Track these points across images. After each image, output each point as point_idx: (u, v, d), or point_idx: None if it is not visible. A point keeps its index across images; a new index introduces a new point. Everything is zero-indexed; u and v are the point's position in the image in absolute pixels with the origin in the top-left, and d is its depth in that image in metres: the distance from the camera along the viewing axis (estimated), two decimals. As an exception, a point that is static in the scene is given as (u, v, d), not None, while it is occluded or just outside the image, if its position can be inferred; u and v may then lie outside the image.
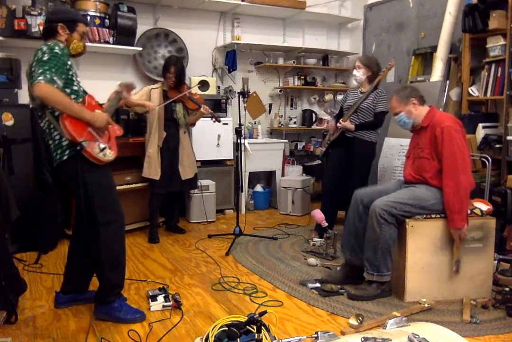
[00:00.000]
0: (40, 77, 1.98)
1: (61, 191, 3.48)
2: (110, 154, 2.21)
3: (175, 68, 3.63)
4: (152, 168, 3.69)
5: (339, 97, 3.88)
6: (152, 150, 3.69)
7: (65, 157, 2.14)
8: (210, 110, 3.70)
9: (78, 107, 2.10)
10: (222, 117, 4.61)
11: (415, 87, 2.77)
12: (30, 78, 2.09)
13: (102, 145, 2.16)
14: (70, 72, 2.15)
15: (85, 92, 2.30)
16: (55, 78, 2.02)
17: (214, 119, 3.72)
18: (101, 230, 2.21)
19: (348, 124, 3.47)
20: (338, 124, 3.51)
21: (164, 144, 3.71)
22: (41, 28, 3.59)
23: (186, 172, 3.81)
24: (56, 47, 2.09)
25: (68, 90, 2.13)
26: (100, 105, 2.38)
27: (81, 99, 2.21)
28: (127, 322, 2.24)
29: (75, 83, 2.19)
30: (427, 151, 2.59)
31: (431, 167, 2.57)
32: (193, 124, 3.95)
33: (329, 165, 3.76)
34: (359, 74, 3.52)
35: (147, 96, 3.68)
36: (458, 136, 2.48)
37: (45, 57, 2.04)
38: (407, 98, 2.65)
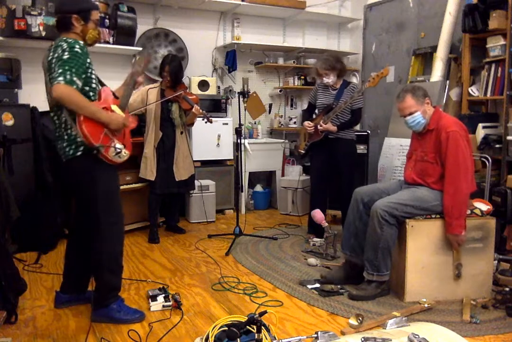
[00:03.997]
0: (60, 78, 1.97)
1: (62, 191, 3.48)
2: (125, 155, 2.19)
3: (169, 68, 3.63)
4: (148, 169, 3.69)
5: (311, 95, 3.78)
6: (148, 150, 3.69)
7: (78, 153, 2.12)
8: (201, 111, 3.66)
9: (95, 108, 2.08)
10: (222, 117, 4.62)
11: (423, 87, 2.73)
12: (48, 73, 2.08)
13: (118, 147, 2.14)
14: (89, 70, 2.13)
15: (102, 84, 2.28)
16: (74, 78, 2.01)
17: (206, 120, 3.69)
18: (105, 231, 2.21)
19: (330, 126, 3.47)
20: (319, 126, 3.49)
21: (160, 144, 3.71)
22: (41, 28, 3.59)
23: (180, 173, 3.78)
24: (77, 46, 2.07)
25: (87, 88, 2.12)
26: (114, 95, 2.33)
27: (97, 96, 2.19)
28: (127, 322, 2.24)
29: (93, 81, 2.17)
30: (431, 156, 2.58)
31: (435, 172, 2.56)
32: (191, 124, 3.94)
33: (314, 167, 3.76)
34: (331, 79, 3.49)
35: (143, 96, 3.68)
36: (463, 143, 2.47)
37: (65, 56, 2.02)
38: (423, 97, 2.59)
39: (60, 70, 1.99)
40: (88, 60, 2.12)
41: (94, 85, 2.17)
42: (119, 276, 2.35)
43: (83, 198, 2.24)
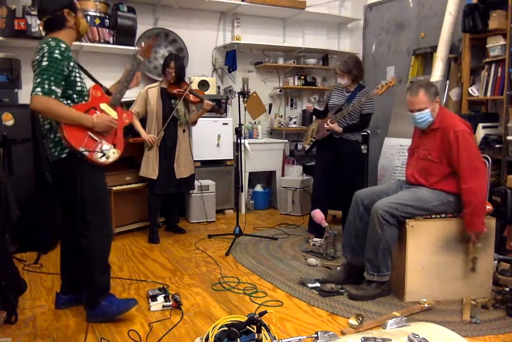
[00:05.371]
0: (38, 89, 1.97)
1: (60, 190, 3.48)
2: (114, 154, 2.19)
3: (175, 63, 3.65)
4: (150, 168, 3.69)
5: (326, 95, 3.85)
6: (151, 150, 3.69)
7: (63, 155, 2.13)
8: (212, 103, 3.70)
9: (76, 114, 2.07)
10: (222, 117, 4.62)
11: (436, 85, 2.71)
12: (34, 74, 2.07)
13: (104, 147, 2.15)
14: (73, 73, 2.11)
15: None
16: (53, 87, 2.00)
17: (218, 112, 3.73)
18: (94, 231, 2.20)
19: (336, 126, 3.49)
20: (325, 125, 3.51)
21: (162, 143, 3.71)
22: (41, 28, 3.58)
23: (181, 170, 3.78)
24: (56, 51, 2.02)
25: (70, 92, 2.11)
26: (108, 92, 2.32)
27: (86, 97, 2.18)
28: (121, 313, 2.24)
29: (79, 84, 2.15)
30: (435, 155, 2.56)
31: (439, 172, 2.55)
32: (195, 122, 3.95)
33: (318, 165, 3.80)
34: (344, 81, 3.54)
35: (144, 99, 3.69)
36: (472, 140, 2.47)
37: (44, 63, 2.00)
38: (435, 95, 2.57)
39: (38, 80, 1.98)
40: (71, 64, 2.09)
41: (78, 88, 2.15)
42: (108, 276, 2.35)
43: (70, 199, 2.21)
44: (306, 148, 3.82)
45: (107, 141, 2.18)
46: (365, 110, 3.52)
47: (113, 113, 2.24)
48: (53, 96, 2.00)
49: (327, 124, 3.50)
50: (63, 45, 2.07)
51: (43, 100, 1.97)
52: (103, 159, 2.15)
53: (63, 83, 2.06)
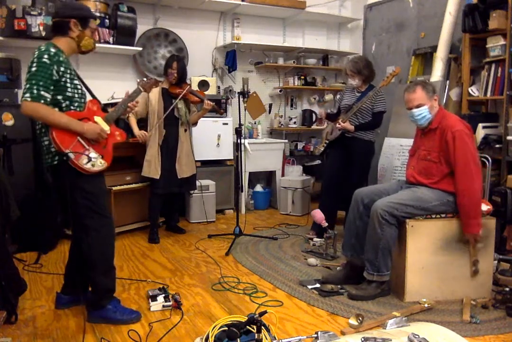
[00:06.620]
0: (27, 94, 1.98)
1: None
2: (100, 164, 2.17)
3: (178, 64, 3.66)
4: (152, 168, 3.69)
5: (338, 97, 3.89)
6: (153, 149, 3.69)
7: (55, 162, 2.14)
8: (212, 103, 3.71)
9: (65, 119, 2.07)
10: (222, 117, 4.62)
11: (433, 84, 2.74)
12: None
13: (92, 155, 2.14)
14: (63, 79, 2.10)
15: (84, 95, 2.28)
16: (42, 92, 2.00)
17: (218, 113, 3.74)
18: (92, 235, 2.20)
19: (348, 125, 3.49)
20: (337, 125, 3.52)
21: (164, 143, 3.71)
22: (41, 28, 3.59)
23: (182, 170, 3.78)
24: (45, 55, 2.03)
25: (59, 97, 2.10)
26: (104, 110, 2.35)
27: (76, 104, 2.18)
28: (123, 323, 2.24)
29: (69, 89, 2.14)
30: (434, 155, 2.57)
31: (439, 172, 2.56)
32: (195, 123, 3.95)
33: (329, 165, 3.80)
34: (355, 82, 3.57)
35: (145, 100, 3.69)
36: (470, 141, 2.47)
37: (33, 68, 2.02)
38: (433, 93, 2.59)
39: (27, 85, 2.00)
40: (62, 69, 2.09)
41: (69, 94, 2.14)
42: (113, 277, 2.35)
43: (66, 203, 2.21)
44: (320, 151, 3.83)
45: (96, 150, 2.18)
46: (377, 109, 3.53)
47: (106, 128, 2.25)
48: (42, 101, 2.01)
49: (339, 124, 3.51)
50: (52, 50, 2.07)
51: (32, 106, 1.99)
52: (88, 165, 2.12)
53: (52, 87, 2.05)
